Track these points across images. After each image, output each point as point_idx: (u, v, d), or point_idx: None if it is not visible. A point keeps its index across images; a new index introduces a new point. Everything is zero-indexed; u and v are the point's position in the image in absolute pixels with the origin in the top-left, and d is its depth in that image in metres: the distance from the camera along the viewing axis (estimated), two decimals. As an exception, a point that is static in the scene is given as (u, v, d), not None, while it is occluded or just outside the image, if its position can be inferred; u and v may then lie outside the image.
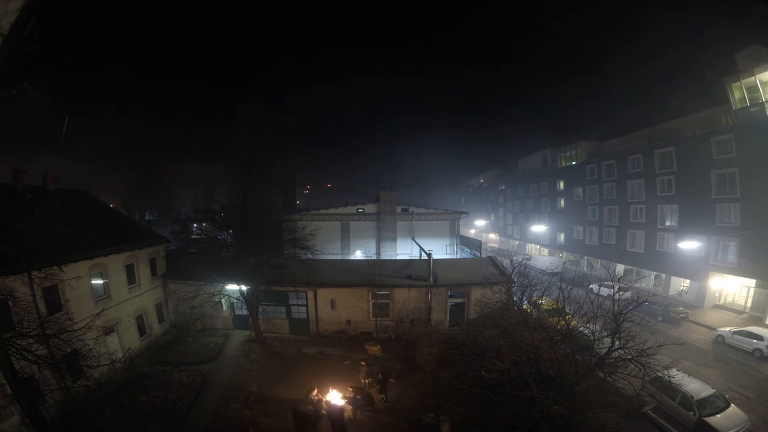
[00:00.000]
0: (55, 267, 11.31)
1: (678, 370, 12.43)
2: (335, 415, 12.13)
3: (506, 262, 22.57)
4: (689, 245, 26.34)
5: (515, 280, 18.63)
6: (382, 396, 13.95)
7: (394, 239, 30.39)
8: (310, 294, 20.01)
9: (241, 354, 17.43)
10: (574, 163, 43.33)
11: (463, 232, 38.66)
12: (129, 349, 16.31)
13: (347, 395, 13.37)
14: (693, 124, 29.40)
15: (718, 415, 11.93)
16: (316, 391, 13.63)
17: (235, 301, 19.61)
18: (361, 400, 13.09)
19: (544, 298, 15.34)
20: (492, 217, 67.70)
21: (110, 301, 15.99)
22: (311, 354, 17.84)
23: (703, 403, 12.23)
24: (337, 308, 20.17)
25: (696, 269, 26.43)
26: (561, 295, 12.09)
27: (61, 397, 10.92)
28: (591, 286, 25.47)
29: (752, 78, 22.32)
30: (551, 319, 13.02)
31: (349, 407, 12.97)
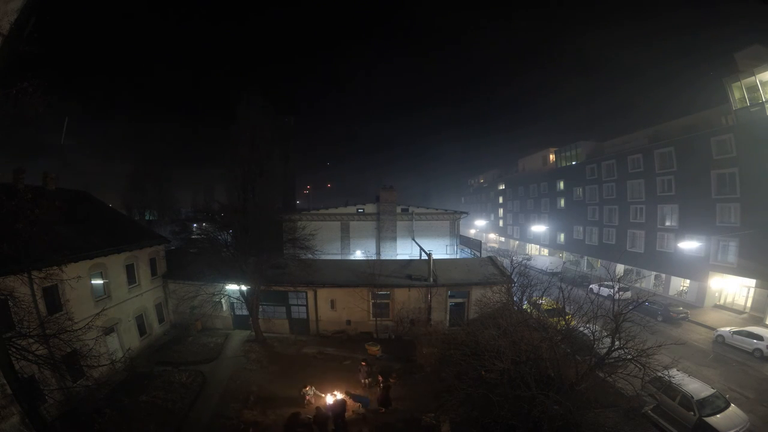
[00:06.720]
0: (55, 267, 11.28)
1: (678, 370, 12.42)
2: (336, 411, 12.11)
3: (506, 262, 22.57)
4: (689, 245, 26.36)
5: (515, 280, 18.61)
6: (382, 409, 13.23)
7: (394, 239, 30.35)
8: (310, 294, 20.01)
9: (241, 354, 17.44)
10: (574, 163, 43.39)
11: (463, 232, 38.64)
12: (129, 349, 16.32)
13: (354, 393, 13.24)
14: (693, 124, 29.40)
15: (718, 415, 11.93)
16: (308, 387, 13.56)
17: (235, 301, 19.62)
18: (368, 399, 12.94)
19: (544, 298, 15.35)
20: (492, 217, 67.73)
21: (110, 301, 15.99)
22: (311, 354, 17.83)
23: (703, 403, 12.23)
24: (337, 308, 20.16)
25: (696, 269, 26.43)
26: (561, 295, 12.09)
27: (61, 397, 10.92)
28: (591, 286, 25.50)
29: (752, 78, 22.32)
30: (551, 319, 13.00)
31: (356, 404, 12.88)
